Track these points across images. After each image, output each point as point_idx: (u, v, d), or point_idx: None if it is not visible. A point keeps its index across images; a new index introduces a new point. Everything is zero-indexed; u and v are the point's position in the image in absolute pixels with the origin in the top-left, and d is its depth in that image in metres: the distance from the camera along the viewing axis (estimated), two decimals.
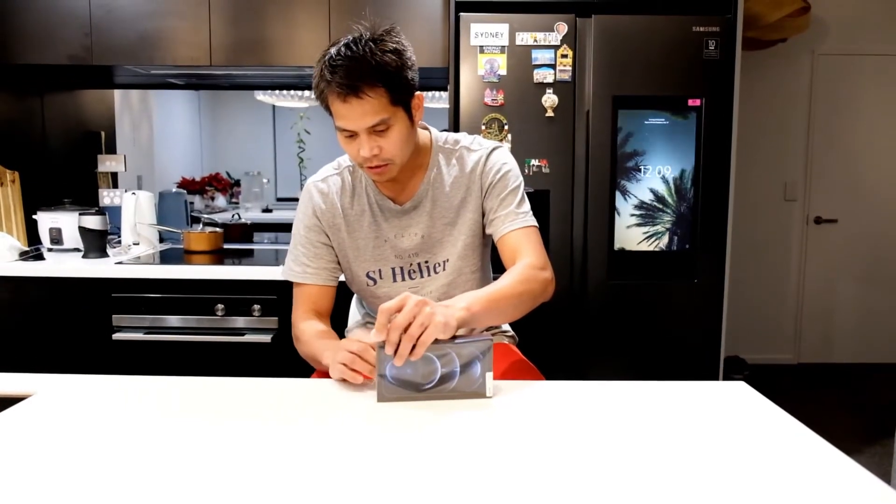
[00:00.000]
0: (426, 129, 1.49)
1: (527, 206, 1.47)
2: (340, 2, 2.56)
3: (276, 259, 2.59)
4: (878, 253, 4.20)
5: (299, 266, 1.47)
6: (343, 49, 1.24)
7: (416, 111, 1.35)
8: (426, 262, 1.48)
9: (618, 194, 2.42)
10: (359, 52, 1.23)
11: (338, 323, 1.52)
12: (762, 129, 4.10)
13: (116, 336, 2.35)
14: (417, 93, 1.34)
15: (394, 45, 1.26)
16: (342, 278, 1.53)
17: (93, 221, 2.53)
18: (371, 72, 1.22)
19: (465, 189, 1.46)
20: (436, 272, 1.49)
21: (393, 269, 1.48)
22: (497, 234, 1.43)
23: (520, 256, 1.38)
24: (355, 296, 1.78)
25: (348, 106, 1.25)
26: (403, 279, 1.49)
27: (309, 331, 1.40)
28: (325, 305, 1.48)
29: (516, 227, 1.41)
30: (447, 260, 1.48)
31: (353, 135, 1.29)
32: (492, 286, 1.28)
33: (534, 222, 1.44)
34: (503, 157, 1.47)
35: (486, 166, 1.45)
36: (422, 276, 1.49)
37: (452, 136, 1.50)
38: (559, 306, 2.43)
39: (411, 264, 1.48)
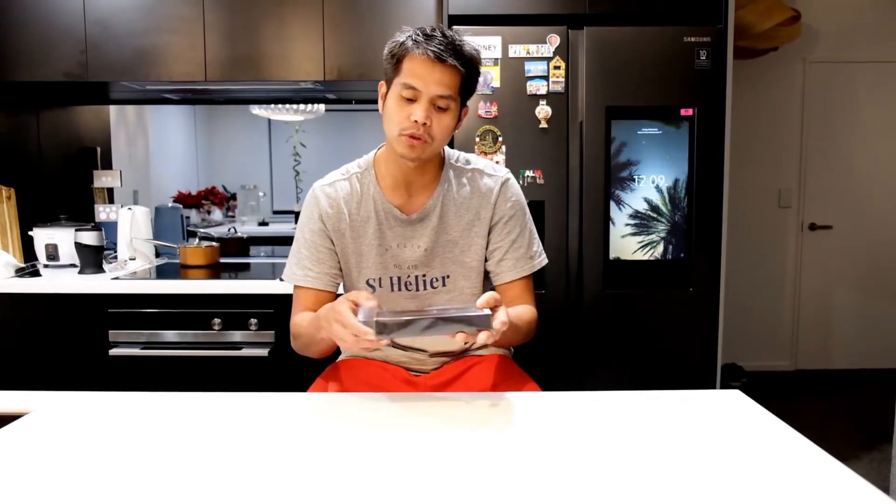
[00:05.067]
0: None
1: (536, 243, 1.54)
2: (334, 16, 2.57)
3: (273, 273, 2.59)
4: (874, 258, 4.22)
5: (301, 270, 1.48)
6: (437, 30, 1.36)
7: (461, 119, 1.44)
8: (424, 275, 1.49)
9: (612, 204, 2.43)
10: (453, 38, 1.36)
11: None
12: (755, 136, 4.12)
13: (113, 351, 2.35)
14: (468, 105, 1.44)
15: (476, 49, 1.41)
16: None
17: (89, 237, 2.54)
18: (461, 55, 1.35)
19: (474, 211, 1.49)
20: (433, 287, 1.50)
21: (391, 278, 1.49)
22: (503, 277, 1.50)
23: (520, 303, 1.48)
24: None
25: (430, 69, 1.33)
26: (400, 289, 1.50)
27: (301, 322, 1.41)
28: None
29: (521, 276, 1.50)
30: (447, 276, 1.50)
31: (412, 100, 1.34)
32: (517, 314, 1.39)
33: (541, 262, 1.54)
34: (517, 191, 1.54)
35: (501, 196, 1.50)
36: (417, 290, 1.50)
37: (463, 155, 1.54)
38: (555, 316, 2.43)
39: (408, 276, 1.49)
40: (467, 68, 1.36)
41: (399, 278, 1.49)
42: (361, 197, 1.48)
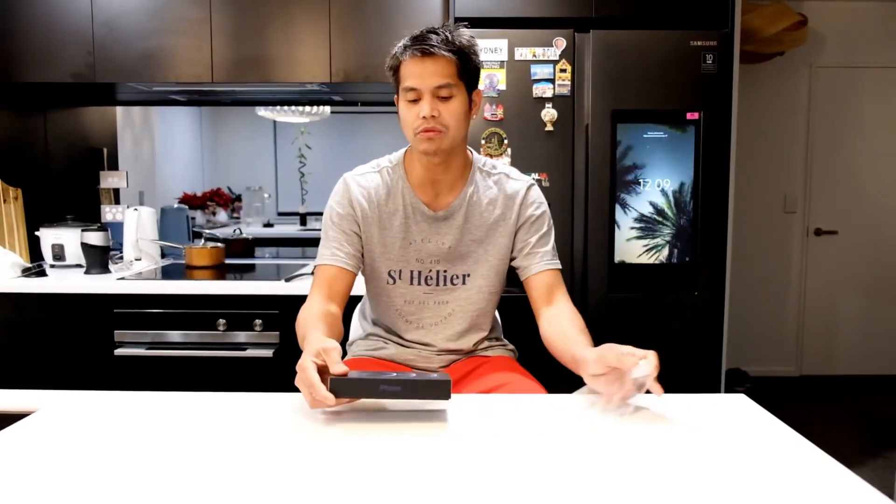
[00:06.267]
0: (469, 149, 1.56)
1: (555, 250, 1.57)
2: (340, 18, 2.58)
3: (278, 274, 2.60)
4: (879, 264, 4.20)
5: (328, 250, 1.49)
6: (424, 29, 1.42)
7: (475, 104, 1.48)
8: (445, 271, 1.52)
9: (617, 207, 2.43)
10: (438, 30, 1.41)
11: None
12: (761, 141, 4.12)
13: (118, 351, 2.36)
14: (479, 88, 1.48)
15: (469, 34, 1.44)
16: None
17: (95, 237, 2.55)
18: (447, 43, 1.39)
19: (500, 212, 1.52)
20: (453, 284, 1.53)
21: (412, 271, 1.52)
22: (533, 269, 1.52)
23: (556, 295, 1.51)
24: (357, 309, 1.79)
25: (422, 65, 1.38)
26: (420, 283, 1.53)
27: (303, 323, 1.37)
28: (341, 288, 1.47)
29: (552, 268, 1.53)
30: (468, 275, 1.53)
31: (416, 100, 1.40)
32: (584, 332, 1.38)
33: (560, 265, 1.56)
34: (541, 196, 1.58)
35: (527, 199, 1.54)
36: (437, 285, 1.53)
37: (489, 160, 1.59)
38: None
39: (430, 270, 1.52)
40: (458, 55, 1.40)
41: (420, 272, 1.52)
42: (390, 189, 1.51)
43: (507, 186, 1.54)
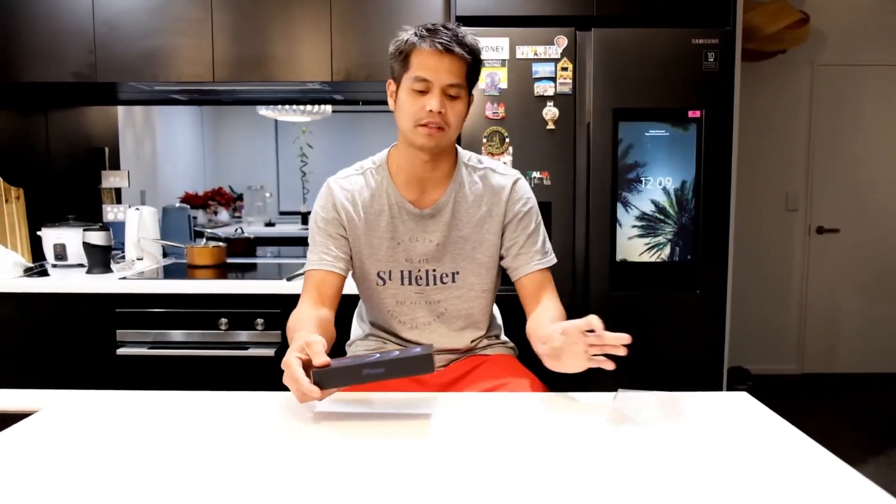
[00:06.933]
0: (455, 146, 1.55)
1: (548, 242, 1.56)
2: (341, 17, 2.58)
3: (279, 273, 2.60)
4: (881, 262, 4.20)
5: (316, 255, 1.49)
6: (437, 24, 1.41)
7: (469, 108, 1.47)
8: (434, 269, 1.51)
9: (619, 206, 2.43)
10: (455, 31, 1.41)
11: (340, 337, 1.52)
12: (763, 139, 4.11)
13: (121, 351, 2.36)
14: (473, 94, 1.48)
15: (476, 40, 1.44)
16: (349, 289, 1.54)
17: (97, 237, 2.55)
18: (465, 45, 1.40)
19: (486, 208, 1.51)
20: (443, 282, 1.52)
21: (402, 272, 1.51)
22: (522, 269, 1.51)
23: (544, 295, 1.50)
24: (357, 310, 1.79)
25: (439, 60, 1.37)
26: (410, 283, 1.52)
27: (293, 326, 1.36)
28: (330, 291, 1.46)
29: (541, 268, 1.52)
30: (457, 272, 1.52)
31: (425, 91, 1.38)
32: (556, 321, 1.38)
33: (553, 260, 1.55)
34: (528, 189, 1.56)
35: (514, 194, 1.53)
36: (427, 284, 1.52)
37: (475, 155, 1.57)
38: None
39: (419, 270, 1.51)
40: (472, 56, 1.41)
41: (409, 272, 1.51)
42: (375, 191, 1.50)
43: (493, 181, 1.52)
